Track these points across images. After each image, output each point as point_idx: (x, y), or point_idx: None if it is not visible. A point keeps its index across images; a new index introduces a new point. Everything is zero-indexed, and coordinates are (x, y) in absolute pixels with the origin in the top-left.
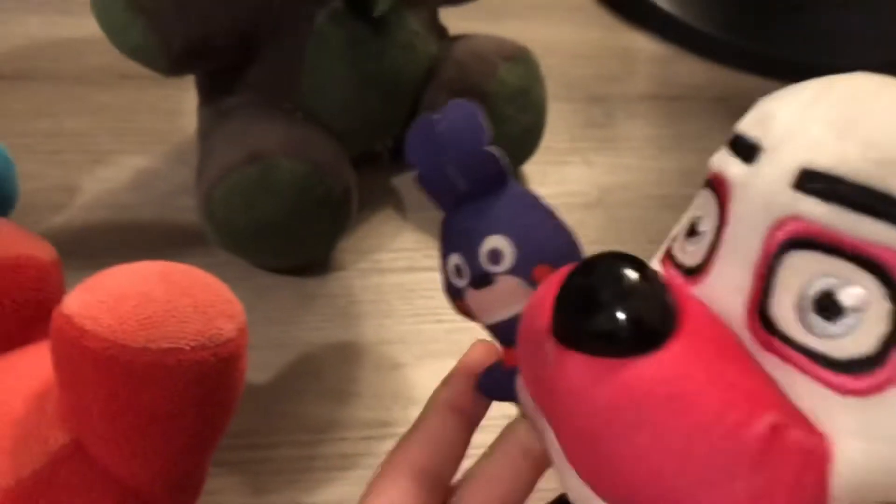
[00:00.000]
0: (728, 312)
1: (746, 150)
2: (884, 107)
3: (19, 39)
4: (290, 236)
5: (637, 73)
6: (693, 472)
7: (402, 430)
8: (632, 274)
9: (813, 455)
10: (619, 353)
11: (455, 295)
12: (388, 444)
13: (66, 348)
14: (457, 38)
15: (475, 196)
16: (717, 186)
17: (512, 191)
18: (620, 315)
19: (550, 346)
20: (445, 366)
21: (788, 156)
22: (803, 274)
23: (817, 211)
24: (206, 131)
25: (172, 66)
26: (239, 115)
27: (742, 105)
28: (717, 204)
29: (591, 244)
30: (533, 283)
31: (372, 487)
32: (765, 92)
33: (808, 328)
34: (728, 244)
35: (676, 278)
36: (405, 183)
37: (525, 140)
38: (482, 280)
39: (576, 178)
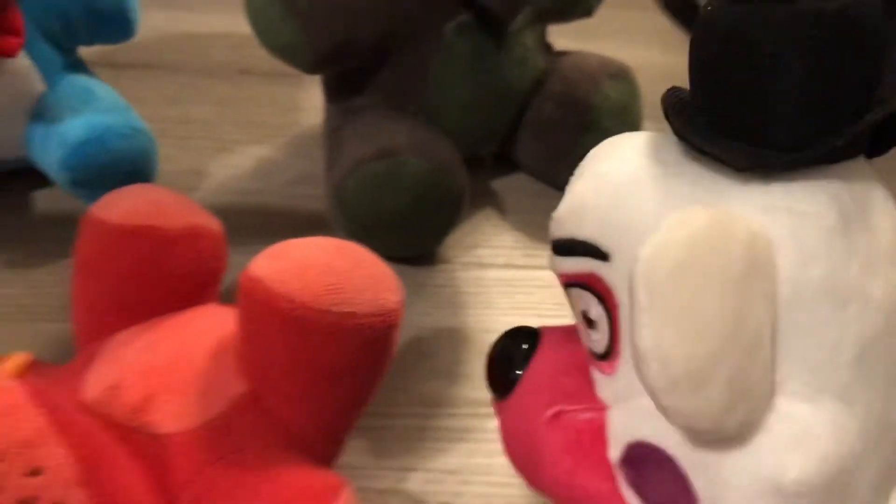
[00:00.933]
0: None
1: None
2: None
3: (147, 31)
4: (410, 228)
5: None
6: (522, 446)
7: None
8: (501, 345)
9: (592, 422)
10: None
11: None
12: (495, 422)
13: (256, 308)
14: (562, 53)
15: None
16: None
17: None
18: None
19: None
20: None
21: None
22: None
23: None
24: (336, 127)
25: (316, 65)
26: (368, 114)
27: None
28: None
29: None
30: None
31: None
32: None
33: (589, 338)
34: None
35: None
36: (505, 186)
37: None
38: None
39: None
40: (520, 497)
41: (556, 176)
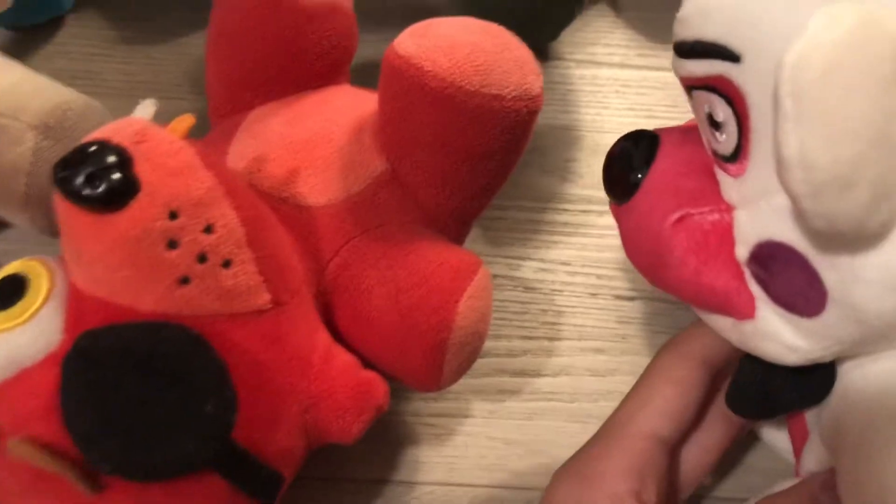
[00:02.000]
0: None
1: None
2: None
3: None
4: (528, 19)
5: None
6: (647, 248)
7: None
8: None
9: (718, 224)
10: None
11: None
12: (606, 219)
13: (403, 86)
14: None
15: None
16: None
17: None
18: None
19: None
20: None
21: None
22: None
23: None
24: None
25: None
26: None
27: None
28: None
29: None
30: None
31: (656, 366)
32: None
33: (715, 140)
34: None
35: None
36: None
37: None
38: None
39: None
40: (625, 289)
41: None
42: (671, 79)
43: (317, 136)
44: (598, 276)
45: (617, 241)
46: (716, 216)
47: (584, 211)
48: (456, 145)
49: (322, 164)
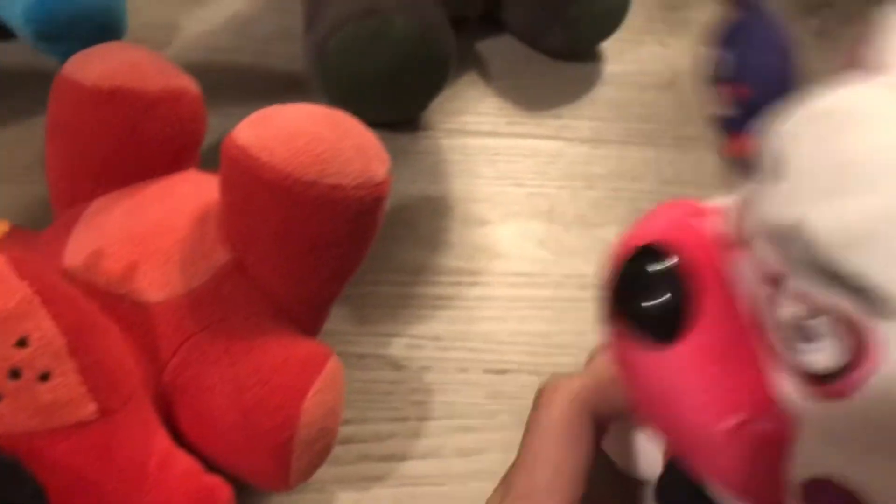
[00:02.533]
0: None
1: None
2: None
3: None
4: (396, 91)
5: None
6: (687, 434)
7: (488, 279)
8: (658, 272)
9: (773, 435)
10: (649, 339)
11: None
12: (477, 291)
13: (241, 177)
14: None
15: None
16: None
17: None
18: (649, 309)
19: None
20: (527, 226)
21: None
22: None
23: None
24: None
25: None
26: None
27: None
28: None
29: (665, 123)
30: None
31: (556, 421)
32: None
33: (797, 350)
34: None
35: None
36: (489, 49)
37: (608, 19)
38: None
39: (650, 59)
40: (498, 362)
41: (544, 39)
42: (540, 146)
43: (158, 227)
44: (469, 350)
45: (487, 314)
46: (770, 425)
47: (455, 283)
48: (299, 235)
49: (162, 257)
